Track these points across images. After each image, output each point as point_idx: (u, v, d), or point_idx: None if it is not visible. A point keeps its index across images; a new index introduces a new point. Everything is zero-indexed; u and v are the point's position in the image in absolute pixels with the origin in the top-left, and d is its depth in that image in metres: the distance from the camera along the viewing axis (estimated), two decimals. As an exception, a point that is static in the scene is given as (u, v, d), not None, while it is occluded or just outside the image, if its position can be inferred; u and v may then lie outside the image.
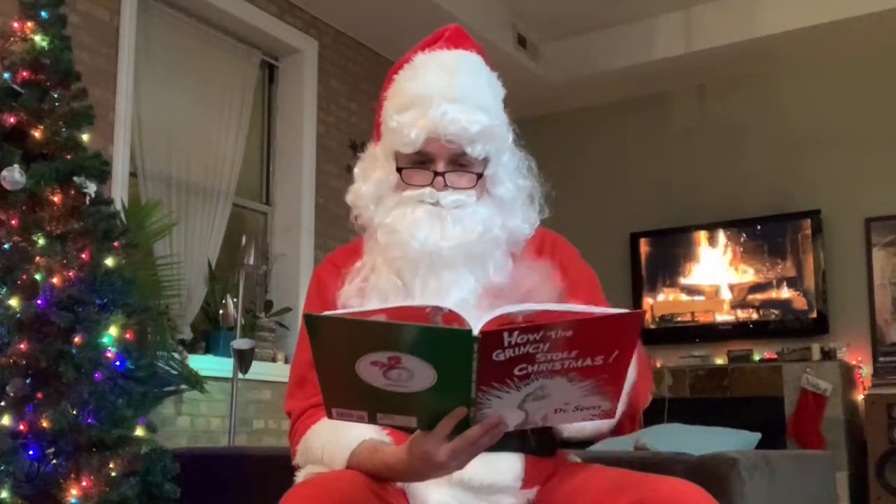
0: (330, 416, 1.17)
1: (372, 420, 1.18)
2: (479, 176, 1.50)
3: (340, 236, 5.00)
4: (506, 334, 1.04)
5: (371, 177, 1.55)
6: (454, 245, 1.44)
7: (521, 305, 1.11)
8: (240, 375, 3.89)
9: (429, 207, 1.46)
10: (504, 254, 1.51)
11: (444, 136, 1.45)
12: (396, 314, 1.09)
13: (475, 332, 1.05)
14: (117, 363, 2.43)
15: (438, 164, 1.48)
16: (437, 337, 1.06)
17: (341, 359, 1.10)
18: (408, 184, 1.49)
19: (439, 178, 1.47)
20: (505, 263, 1.49)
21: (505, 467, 1.39)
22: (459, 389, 1.09)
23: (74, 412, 2.30)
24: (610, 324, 1.07)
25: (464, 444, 1.16)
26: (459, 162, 1.48)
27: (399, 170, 1.50)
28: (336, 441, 1.36)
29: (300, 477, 1.44)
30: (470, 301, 1.41)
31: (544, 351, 1.05)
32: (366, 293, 1.47)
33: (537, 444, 1.44)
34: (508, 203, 1.53)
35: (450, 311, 1.08)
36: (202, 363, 3.91)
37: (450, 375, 1.08)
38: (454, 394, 1.11)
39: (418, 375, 1.08)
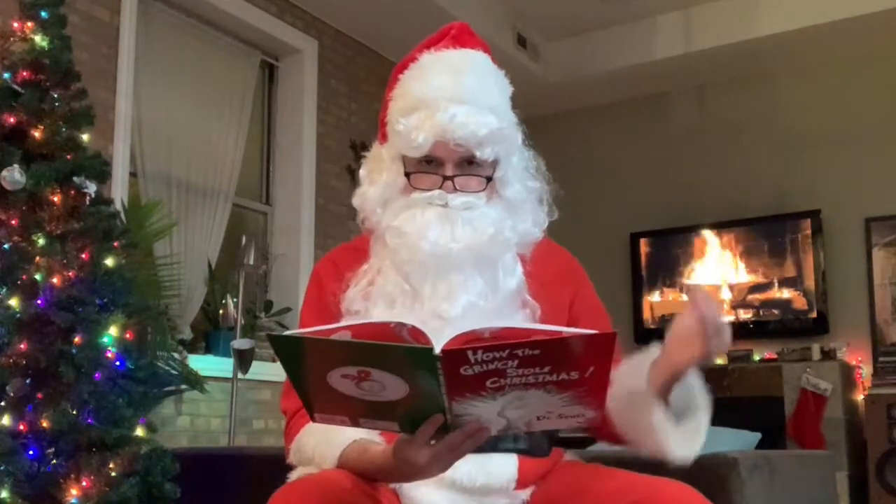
0: (314, 420, 1.17)
1: (355, 424, 1.16)
2: (489, 178, 1.47)
3: (340, 236, 4.99)
4: (470, 353, 1.01)
5: (378, 180, 1.51)
6: (464, 247, 1.41)
7: (487, 323, 1.07)
8: (240, 375, 3.89)
9: (438, 209, 1.43)
10: (513, 256, 1.48)
11: (452, 140, 1.41)
12: (361, 331, 1.07)
13: (437, 350, 1.02)
14: (117, 363, 2.43)
15: (447, 167, 1.45)
16: (399, 355, 1.04)
17: (312, 372, 1.09)
18: (416, 187, 1.46)
19: (448, 182, 1.44)
20: (514, 266, 1.47)
21: (498, 468, 1.38)
22: (432, 399, 1.08)
23: (74, 412, 2.30)
24: (578, 344, 1.03)
25: (444, 449, 1.15)
26: (468, 165, 1.45)
27: (407, 174, 1.47)
28: (328, 440, 1.35)
29: (292, 477, 1.43)
30: (479, 304, 1.39)
31: (514, 367, 1.02)
32: (371, 297, 1.44)
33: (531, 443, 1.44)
34: (518, 205, 1.50)
35: (413, 326, 1.05)
36: (202, 363, 3.91)
37: (420, 387, 1.06)
38: (428, 403, 1.09)
39: (390, 387, 1.07)
